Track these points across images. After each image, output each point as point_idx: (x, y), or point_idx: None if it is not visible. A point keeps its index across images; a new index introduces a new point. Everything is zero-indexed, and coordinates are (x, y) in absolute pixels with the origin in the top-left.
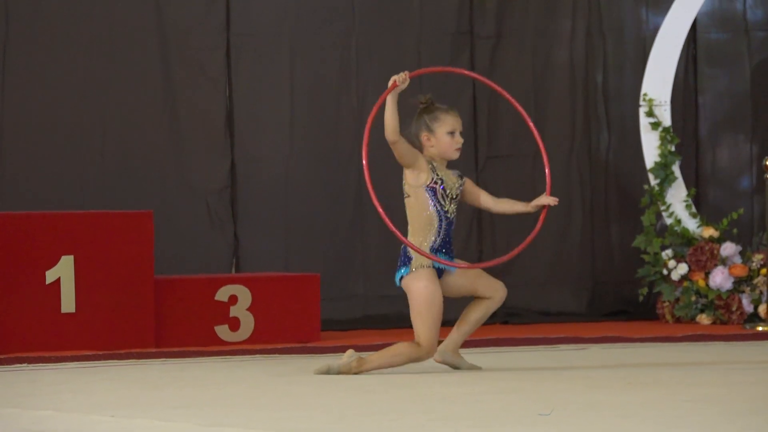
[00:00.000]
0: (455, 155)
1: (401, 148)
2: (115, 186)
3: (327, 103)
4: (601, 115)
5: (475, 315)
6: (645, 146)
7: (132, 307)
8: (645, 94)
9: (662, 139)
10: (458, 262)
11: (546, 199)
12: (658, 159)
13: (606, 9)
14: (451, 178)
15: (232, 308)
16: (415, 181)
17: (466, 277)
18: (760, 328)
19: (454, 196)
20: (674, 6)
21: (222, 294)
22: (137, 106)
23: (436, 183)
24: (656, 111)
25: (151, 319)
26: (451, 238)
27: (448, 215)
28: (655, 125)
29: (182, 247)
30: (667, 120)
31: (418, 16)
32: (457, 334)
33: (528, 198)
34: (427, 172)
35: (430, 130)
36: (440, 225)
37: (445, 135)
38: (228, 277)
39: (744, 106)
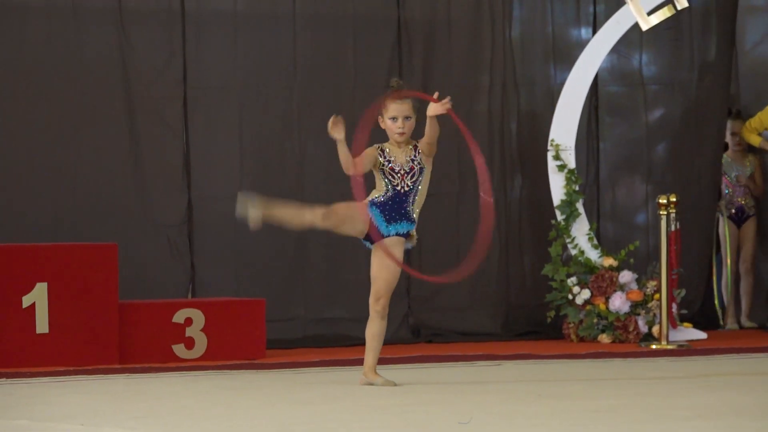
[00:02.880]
0: (398, 138)
1: (361, 166)
2: (85, 221)
3: (272, 149)
4: (515, 158)
5: (368, 331)
6: (552, 186)
7: (98, 328)
8: (552, 140)
9: (567, 179)
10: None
11: (435, 108)
12: (563, 197)
13: (519, 65)
14: (403, 155)
15: (187, 329)
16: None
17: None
18: (654, 347)
19: (408, 170)
20: (578, 63)
21: (179, 317)
22: (105, 150)
23: (383, 165)
24: (562, 155)
25: (116, 338)
26: (403, 208)
27: (397, 188)
28: (561, 167)
29: (145, 275)
30: (572, 163)
31: (353, 72)
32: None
33: (450, 234)
34: (376, 159)
35: (381, 116)
36: (386, 191)
37: (388, 120)
38: (184, 302)
39: (640, 151)
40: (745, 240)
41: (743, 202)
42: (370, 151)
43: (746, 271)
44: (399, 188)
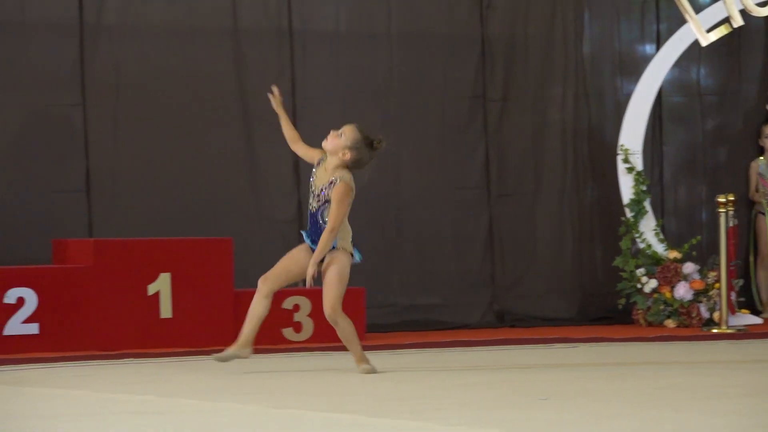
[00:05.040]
0: (322, 145)
1: (303, 150)
2: (208, 218)
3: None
4: (587, 162)
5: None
6: (622, 186)
7: (216, 313)
8: (622, 145)
9: (636, 180)
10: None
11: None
12: (632, 196)
13: (590, 78)
14: (324, 178)
15: (295, 314)
16: None
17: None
18: (714, 331)
19: (317, 194)
20: (644, 75)
21: (288, 303)
22: (226, 156)
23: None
24: (631, 158)
25: (231, 323)
26: (317, 228)
27: (310, 208)
28: (630, 170)
29: (260, 266)
30: (639, 165)
31: (442, 84)
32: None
33: (527, 231)
34: (312, 161)
35: None
36: (308, 214)
37: None
38: (292, 290)
39: (698, 155)
40: None
41: None
42: (316, 153)
43: (765, 265)
44: (311, 207)
